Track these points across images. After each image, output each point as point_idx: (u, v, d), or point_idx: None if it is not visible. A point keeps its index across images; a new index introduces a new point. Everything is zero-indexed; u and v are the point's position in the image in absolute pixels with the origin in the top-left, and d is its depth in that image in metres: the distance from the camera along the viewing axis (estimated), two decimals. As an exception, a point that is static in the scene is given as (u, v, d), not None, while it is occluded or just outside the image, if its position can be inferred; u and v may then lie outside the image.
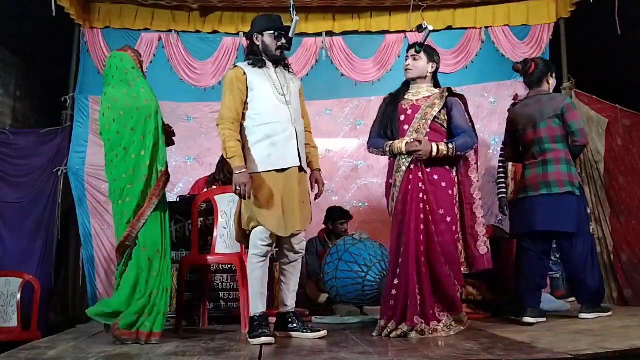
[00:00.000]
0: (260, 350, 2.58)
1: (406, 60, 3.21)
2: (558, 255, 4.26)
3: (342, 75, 5.46)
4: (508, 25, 5.42)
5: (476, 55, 5.42)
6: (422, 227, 2.96)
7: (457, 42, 5.44)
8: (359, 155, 5.41)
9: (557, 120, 3.44)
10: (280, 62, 3.11)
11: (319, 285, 4.67)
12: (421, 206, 2.99)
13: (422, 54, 3.15)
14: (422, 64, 3.15)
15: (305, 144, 3.14)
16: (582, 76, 5.10)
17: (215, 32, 5.45)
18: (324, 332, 2.99)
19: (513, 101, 4.15)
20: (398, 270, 2.97)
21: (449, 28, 5.39)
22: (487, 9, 5.43)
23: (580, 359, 2.22)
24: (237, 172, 2.85)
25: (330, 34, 5.48)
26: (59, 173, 5.02)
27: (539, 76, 3.60)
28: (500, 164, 4.38)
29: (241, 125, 2.99)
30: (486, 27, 5.43)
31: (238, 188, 2.84)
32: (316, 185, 3.17)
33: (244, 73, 3.00)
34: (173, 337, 3.09)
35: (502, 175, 4.34)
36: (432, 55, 3.19)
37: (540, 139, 3.47)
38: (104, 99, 3.13)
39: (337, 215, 4.88)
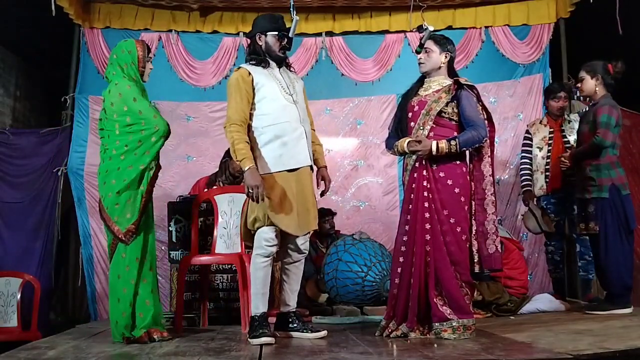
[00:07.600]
0: (260, 350, 2.57)
1: (418, 54, 3.13)
2: (558, 258, 4.29)
3: (342, 75, 5.46)
4: (508, 25, 5.41)
5: (476, 55, 5.41)
6: (427, 226, 2.90)
7: (457, 42, 5.40)
8: (359, 155, 5.42)
9: None
10: (283, 62, 3.10)
11: (318, 285, 4.67)
12: (426, 205, 2.92)
13: (433, 45, 3.06)
14: (434, 56, 3.06)
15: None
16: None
17: (215, 32, 5.45)
18: (324, 332, 2.98)
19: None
20: (399, 270, 2.95)
21: (449, 28, 5.38)
22: (487, 9, 5.42)
23: (581, 359, 2.22)
24: (249, 174, 2.80)
25: (330, 34, 5.48)
26: (59, 173, 5.03)
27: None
28: (525, 154, 4.39)
29: (249, 126, 2.96)
30: (486, 27, 5.43)
31: (251, 190, 2.80)
32: (322, 182, 3.16)
33: (249, 73, 2.97)
34: (173, 337, 3.08)
35: (528, 166, 4.34)
36: (445, 44, 3.08)
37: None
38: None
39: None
